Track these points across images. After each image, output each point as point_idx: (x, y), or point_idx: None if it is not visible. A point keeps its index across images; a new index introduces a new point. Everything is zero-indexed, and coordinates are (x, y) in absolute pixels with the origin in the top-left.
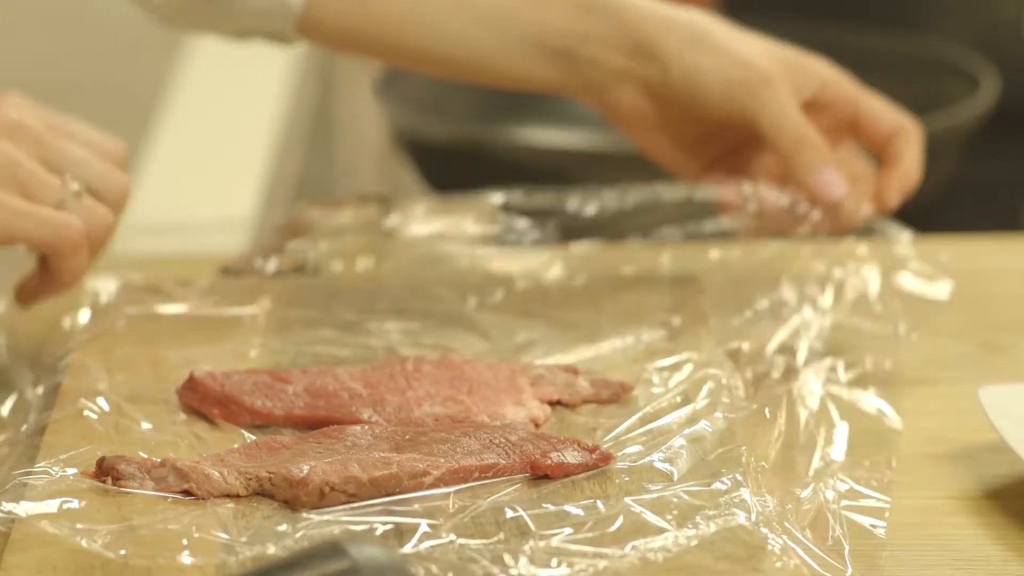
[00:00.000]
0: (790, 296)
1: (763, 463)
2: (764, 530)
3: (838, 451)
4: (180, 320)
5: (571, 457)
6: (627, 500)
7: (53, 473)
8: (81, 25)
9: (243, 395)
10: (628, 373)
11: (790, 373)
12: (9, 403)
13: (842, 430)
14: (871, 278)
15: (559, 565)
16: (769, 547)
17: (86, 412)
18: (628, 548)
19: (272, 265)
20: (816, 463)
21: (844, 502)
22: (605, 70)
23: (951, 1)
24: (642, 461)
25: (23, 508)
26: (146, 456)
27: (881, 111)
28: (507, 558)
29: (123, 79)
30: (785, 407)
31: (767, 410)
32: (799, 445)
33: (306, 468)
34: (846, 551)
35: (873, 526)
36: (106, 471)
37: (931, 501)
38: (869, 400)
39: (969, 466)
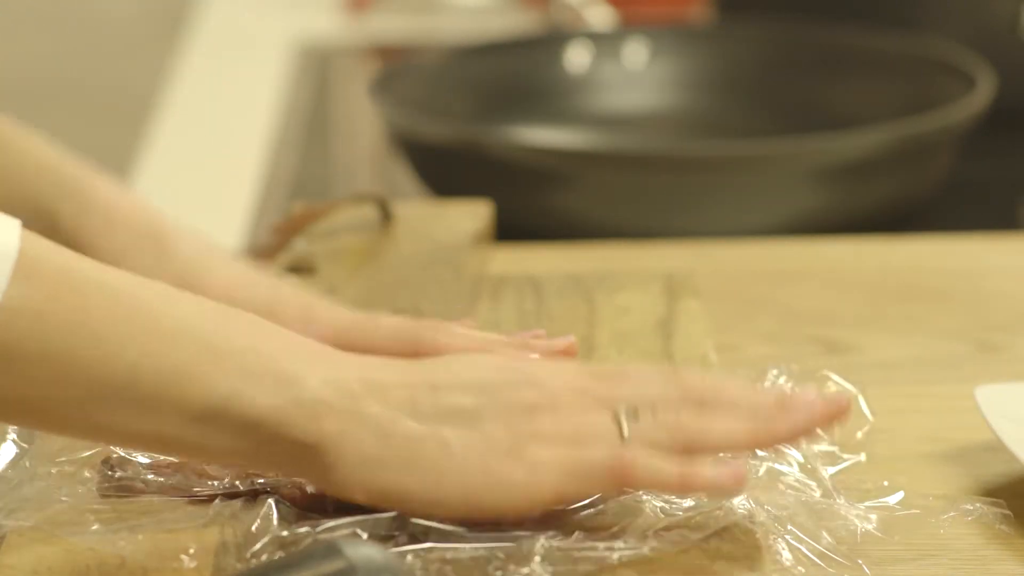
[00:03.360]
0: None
1: (761, 462)
2: (762, 530)
3: (834, 448)
4: None
5: None
6: (628, 494)
7: (52, 473)
8: (79, 25)
9: None
10: None
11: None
12: None
13: (838, 429)
14: None
15: (572, 563)
16: (765, 546)
17: None
18: (634, 541)
19: (268, 265)
20: (812, 462)
21: (839, 500)
22: None
23: (947, 0)
24: None
25: (21, 508)
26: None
27: None
28: (520, 557)
29: (119, 79)
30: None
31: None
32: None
33: None
34: (842, 550)
35: (868, 525)
36: (109, 470)
37: (927, 500)
38: (862, 400)
39: (965, 465)
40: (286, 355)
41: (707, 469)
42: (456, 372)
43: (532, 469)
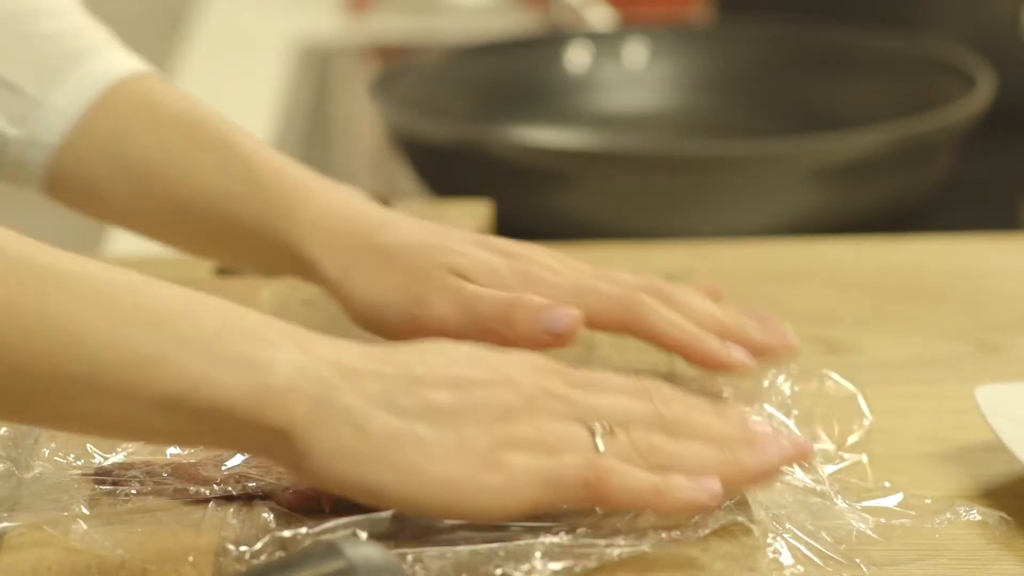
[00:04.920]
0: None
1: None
2: (761, 529)
3: (834, 449)
4: None
5: None
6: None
7: (52, 473)
8: None
9: None
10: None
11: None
12: None
13: (838, 427)
14: None
15: (572, 560)
16: (765, 546)
17: None
18: (634, 539)
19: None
20: (812, 462)
21: (838, 500)
22: None
23: (947, 0)
24: None
25: (20, 508)
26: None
27: None
28: (520, 555)
29: None
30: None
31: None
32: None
33: None
34: (840, 550)
35: (868, 525)
36: (106, 471)
37: (926, 500)
38: (862, 398)
39: (965, 465)
40: (254, 339)
41: (682, 483)
42: (432, 365)
43: (509, 475)
